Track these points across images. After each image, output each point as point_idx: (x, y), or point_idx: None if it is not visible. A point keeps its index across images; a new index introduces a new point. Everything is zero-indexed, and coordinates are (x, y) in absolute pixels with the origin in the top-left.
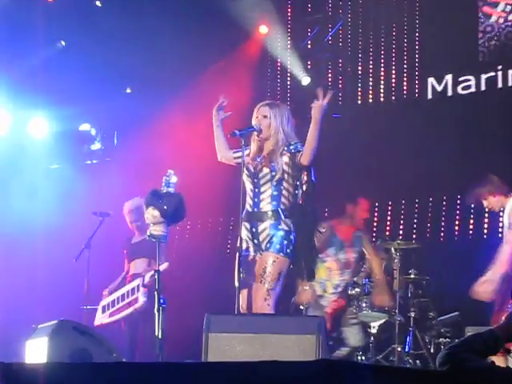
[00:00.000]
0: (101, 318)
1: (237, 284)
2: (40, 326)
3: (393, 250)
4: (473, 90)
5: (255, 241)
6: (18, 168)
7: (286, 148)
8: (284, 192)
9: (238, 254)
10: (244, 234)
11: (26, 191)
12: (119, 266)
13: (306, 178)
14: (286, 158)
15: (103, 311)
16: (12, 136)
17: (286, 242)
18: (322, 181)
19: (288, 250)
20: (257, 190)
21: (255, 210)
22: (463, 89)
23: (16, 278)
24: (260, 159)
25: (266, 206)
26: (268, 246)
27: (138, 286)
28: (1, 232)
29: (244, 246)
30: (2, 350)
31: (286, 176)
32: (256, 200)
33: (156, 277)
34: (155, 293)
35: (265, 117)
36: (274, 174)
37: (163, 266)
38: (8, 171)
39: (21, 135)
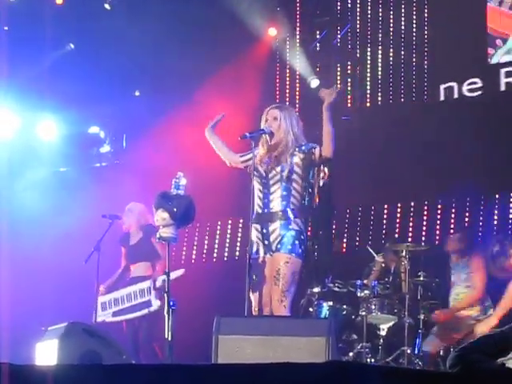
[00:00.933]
0: (102, 316)
1: (247, 286)
2: (50, 329)
3: (403, 252)
4: (479, 92)
5: (266, 242)
6: (26, 170)
7: (297, 149)
8: (294, 192)
9: (248, 256)
10: (254, 235)
11: (35, 194)
12: None
13: (322, 173)
14: (296, 159)
15: (103, 309)
16: (21, 138)
17: (297, 242)
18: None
19: (300, 250)
20: (266, 190)
21: (265, 210)
22: (471, 91)
23: (26, 281)
24: (269, 160)
25: (276, 206)
26: (279, 246)
27: (149, 288)
28: (10, 235)
29: (254, 248)
30: (13, 352)
31: (295, 176)
32: (266, 201)
33: (166, 279)
34: (165, 295)
35: (275, 119)
36: (283, 173)
37: (179, 273)
38: (17, 174)
39: (30, 138)
